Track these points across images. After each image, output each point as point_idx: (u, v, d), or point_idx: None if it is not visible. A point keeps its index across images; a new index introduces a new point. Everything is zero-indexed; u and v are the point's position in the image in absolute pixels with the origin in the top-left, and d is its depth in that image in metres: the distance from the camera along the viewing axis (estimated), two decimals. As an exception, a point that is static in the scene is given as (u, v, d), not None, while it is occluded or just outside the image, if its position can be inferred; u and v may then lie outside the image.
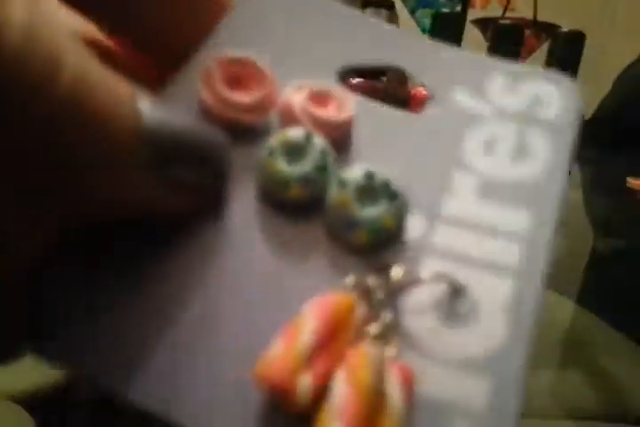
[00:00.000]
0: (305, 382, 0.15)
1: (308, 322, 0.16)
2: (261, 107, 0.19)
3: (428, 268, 0.18)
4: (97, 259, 0.17)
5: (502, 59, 0.22)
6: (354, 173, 0.18)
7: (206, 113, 0.19)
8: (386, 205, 0.18)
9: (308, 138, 0.18)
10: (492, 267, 0.18)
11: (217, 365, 0.16)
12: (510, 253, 0.18)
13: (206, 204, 0.18)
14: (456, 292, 0.17)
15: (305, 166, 0.18)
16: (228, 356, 0.16)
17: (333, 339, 0.15)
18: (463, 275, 0.18)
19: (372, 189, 0.18)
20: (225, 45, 0.20)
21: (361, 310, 0.16)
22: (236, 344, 0.16)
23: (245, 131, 0.20)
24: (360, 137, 0.20)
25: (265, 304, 0.17)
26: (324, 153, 0.18)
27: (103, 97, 0.14)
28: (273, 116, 0.20)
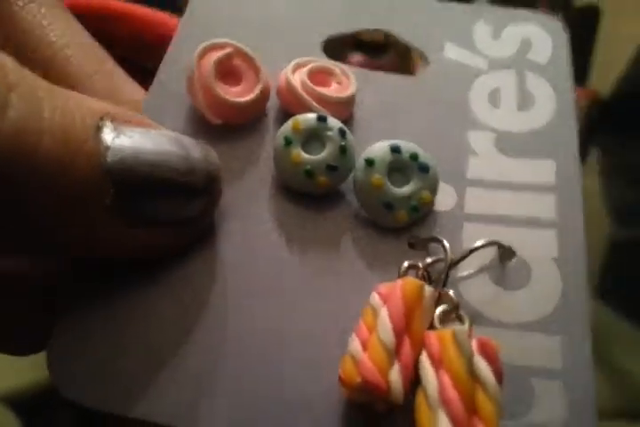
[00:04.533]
0: (395, 377, 0.14)
1: (381, 312, 0.15)
2: (260, 100, 0.18)
3: (471, 234, 0.17)
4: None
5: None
6: (379, 150, 0.17)
7: (201, 116, 0.18)
8: (420, 179, 0.17)
9: (323, 120, 0.17)
10: (533, 221, 0.18)
11: (281, 373, 0.15)
12: (546, 205, 0.18)
13: (199, 235, 0.16)
14: (506, 255, 0.17)
15: (327, 152, 0.17)
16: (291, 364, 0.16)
17: (410, 323, 0.15)
18: (507, 235, 0.17)
19: (401, 164, 0.17)
20: (199, 36, 0.19)
21: (429, 292, 0.15)
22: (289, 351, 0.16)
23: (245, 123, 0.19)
24: (364, 109, 0.19)
25: (310, 302, 0.16)
26: (342, 133, 0.17)
27: (50, 145, 0.13)
28: (272, 101, 0.19)
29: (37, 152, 0.12)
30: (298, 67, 0.19)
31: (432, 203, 0.17)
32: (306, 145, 0.17)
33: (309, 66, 0.19)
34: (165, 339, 0.15)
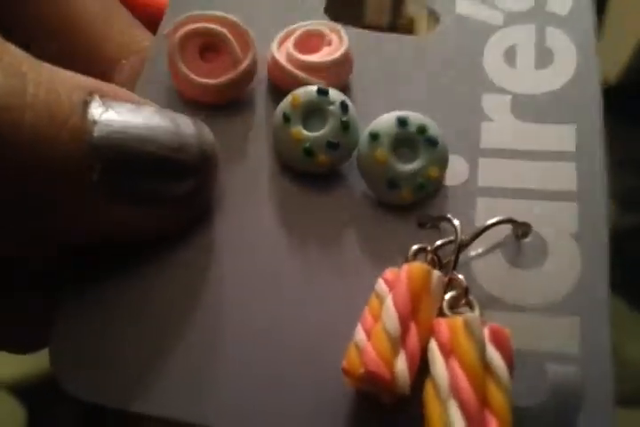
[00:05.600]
0: (401, 366, 0.14)
1: (386, 300, 0.14)
2: (237, 81, 0.17)
3: (484, 210, 0.16)
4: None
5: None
6: (385, 122, 0.16)
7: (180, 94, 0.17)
8: (428, 154, 0.16)
9: (324, 93, 0.16)
10: (552, 193, 0.17)
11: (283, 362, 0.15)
12: (566, 175, 0.17)
13: (195, 217, 0.16)
14: (521, 231, 0.16)
15: (327, 128, 0.16)
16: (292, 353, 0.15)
17: (416, 310, 0.14)
18: (523, 209, 0.16)
19: (407, 138, 0.16)
20: (192, 9, 0.18)
21: (436, 277, 0.15)
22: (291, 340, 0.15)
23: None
24: (370, 73, 0.18)
25: (312, 288, 0.16)
26: (344, 107, 0.16)
27: (34, 120, 0.12)
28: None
29: (21, 127, 0.12)
30: (286, 36, 0.17)
31: (440, 179, 0.16)
32: (306, 121, 0.16)
33: (295, 34, 0.17)
34: (165, 332, 0.15)
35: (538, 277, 0.16)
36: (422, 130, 0.16)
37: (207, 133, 0.15)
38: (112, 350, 0.15)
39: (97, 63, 0.17)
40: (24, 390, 0.39)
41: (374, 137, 0.16)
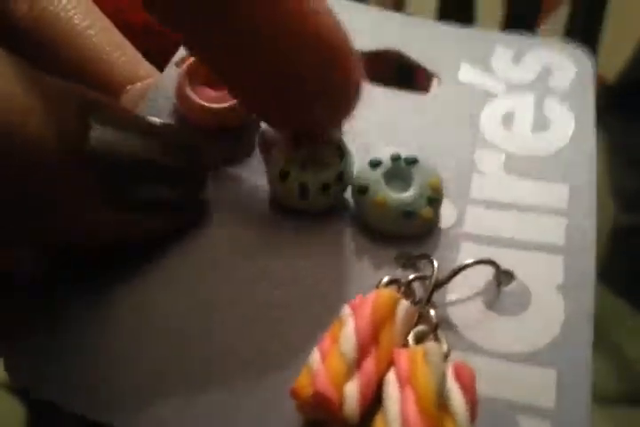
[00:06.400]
0: (351, 391, 0.13)
1: (348, 323, 0.14)
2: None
3: (468, 255, 0.16)
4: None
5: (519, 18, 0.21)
6: (364, 173, 0.16)
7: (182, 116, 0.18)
8: (417, 173, 0.16)
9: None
10: (538, 245, 0.16)
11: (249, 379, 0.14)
12: (554, 229, 0.16)
13: (191, 219, 0.16)
14: (503, 277, 0.15)
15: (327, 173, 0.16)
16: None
17: (378, 336, 0.13)
18: (508, 258, 0.16)
19: (391, 171, 0.16)
20: None
21: (404, 306, 0.14)
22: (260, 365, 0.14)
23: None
24: (364, 124, 0.19)
25: (300, 313, 0.15)
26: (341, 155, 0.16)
27: (35, 126, 0.13)
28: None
29: (22, 132, 0.13)
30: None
31: (441, 187, 0.16)
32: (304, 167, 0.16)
33: None
34: (128, 344, 0.15)
35: (517, 326, 0.15)
36: (396, 158, 0.16)
37: (198, 143, 0.16)
38: (75, 356, 0.15)
39: (103, 87, 0.18)
40: (24, 390, 0.37)
41: (363, 190, 0.16)
